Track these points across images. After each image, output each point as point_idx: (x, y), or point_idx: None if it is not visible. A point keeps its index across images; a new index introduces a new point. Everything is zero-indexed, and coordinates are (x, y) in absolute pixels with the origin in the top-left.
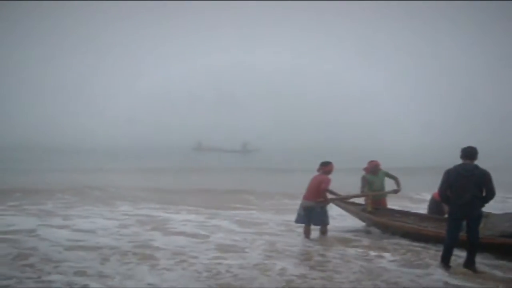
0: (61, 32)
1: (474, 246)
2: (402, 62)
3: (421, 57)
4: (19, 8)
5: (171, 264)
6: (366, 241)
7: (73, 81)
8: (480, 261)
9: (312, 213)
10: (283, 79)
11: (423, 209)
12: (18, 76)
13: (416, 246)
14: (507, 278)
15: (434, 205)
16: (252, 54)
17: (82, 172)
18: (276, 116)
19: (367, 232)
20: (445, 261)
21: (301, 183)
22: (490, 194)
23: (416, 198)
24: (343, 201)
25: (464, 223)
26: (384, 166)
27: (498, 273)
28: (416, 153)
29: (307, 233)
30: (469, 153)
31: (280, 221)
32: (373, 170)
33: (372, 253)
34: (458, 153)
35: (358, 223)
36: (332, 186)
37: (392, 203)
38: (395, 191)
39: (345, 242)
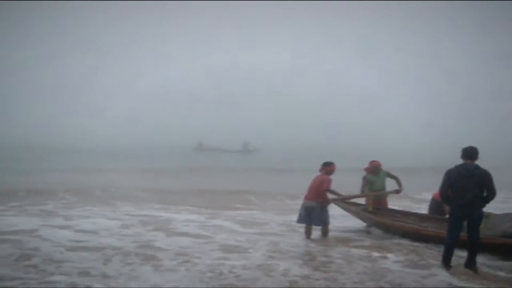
0: (61, 32)
1: (475, 246)
2: (402, 62)
3: (421, 57)
4: (19, 8)
5: (174, 264)
6: (368, 242)
7: (73, 81)
8: (485, 262)
9: (313, 213)
10: (283, 79)
11: (424, 209)
12: (18, 76)
13: (418, 246)
14: (511, 278)
15: (435, 205)
16: (252, 54)
17: (83, 172)
18: (276, 116)
19: (368, 233)
20: (446, 261)
21: (302, 183)
22: (491, 194)
23: (417, 198)
24: (344, 201)
25: (465, 223)
26: (384, 166)
27: (502, 274)
28: (416, 153)
29: (308, 233)
30: (470, 153)
31: (281, 221)
32: (374, 170)
33: (375, 253)
34: (458, 153)
35: (359, 223)
36: (333, 187)
37: (394, 203)
38: (397, 191)
39: (348, 242)
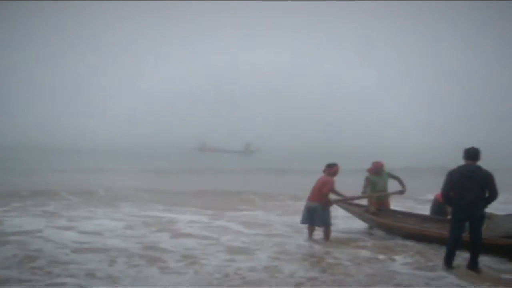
0: (61, 32)
1: (477, 247)
2: (402, 62)
3: (421, 57)
4: (19, 8)
5: (182, 266)
6: (372, 243)
7: (73, 81)
8: (490, 264)
9: (315, 214)
10: (283, 79)
11: (427, 210)
12: (18, 76)
13: (423, 247)
14: None
15: (437, 206)
16: (252, 54)
17: (84, 172)
18: (276, 116)
19: (370, 234)
20: (448, 262)
21: (304, 184)
22: (493, 195)
23: (420, 199)
24: (346, 202)
25: (467, 224)
26: (386, 166)
27: (508, 276)
28: (417, 153)
29: (310, 233)
30: (472, 154)
31: (285, 222)
32: (377, 171)
33: (381, 255)
34: (459, 153)
35: (361, 225)
36: (336, 188)
37: (397, 204)
38: (401, 192)
39: (352, 244)
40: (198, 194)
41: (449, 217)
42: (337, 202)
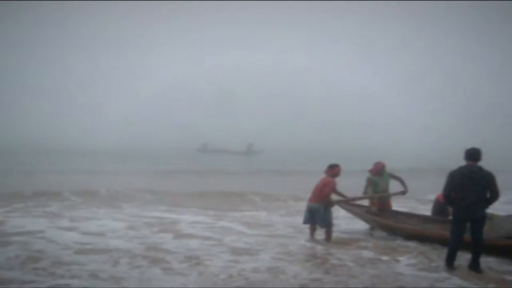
0: (61, 32)
1: (478, 248)
2: (403, 62)
3: (421, 57)
4: (19, 8)
5: (185, 267)
6: (375, 244)
7: (72, 82)
8: (493, 265)
9: (316, 215)
10: (284, 79)
11: (429, 210)
12: (18, 76)
13: (426, 248)
14: None
15: (438, 206)
16: (252, 54)
17: (85, 173)
18: (277, 116)
19: (371, 234)
20: (450, 263)
21: (306, 185)
22: (495, 196)
23: (422, 199)
24: (348, 203)
25: (468, 224)
26: (387, 167)
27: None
28: (418, 154)
29: (311, 233)
30: (473, 155)
31: (287, 222)
32: (378, 172)
33: (385, 256)
34: (460, 154)
35: (362, 225)
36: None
37: (399, 205)
38: (403, 193)
39: (355, 244)
40: (200, 195)
41: (450, 217)
42: (338, 202)
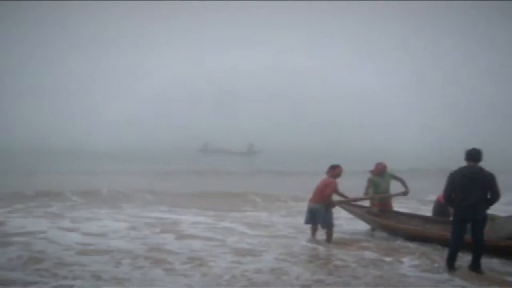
0: (61, 32)
1: (479, 249)
2: (403, 62)
3: (421, 57)
4: (19, 8)
5: (188, 268)
6: (377, 244)
7: (72, 82)
8: (495, 266)
9: (317, 215)
10: (284, 80)
11: (430, 211)
12: (18, 76)
13: (428, 249)
14: None
15: (439, 207)
16: (253, 54)
17: (85, 174)
18: (277, 116)
19: (372, 235)
20: (450, 263)
21: (307, 185)
22: (495, 196)
23: (424, 199)
24: (349, 204)
25: (469, 225)
26: (388, 168)
27: None
28: (418, 154)
29: (313, 233)
30: (474, 155)
31: (289, 223)
32: (379, 172)
33: (387, 257)
34: (461, 154)
35: (365, 226)
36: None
37: (401, 205)
38: (404, 193)
39: (357, 245)
40: (201, 195)
41: (451, 218)
42: (339, 203)
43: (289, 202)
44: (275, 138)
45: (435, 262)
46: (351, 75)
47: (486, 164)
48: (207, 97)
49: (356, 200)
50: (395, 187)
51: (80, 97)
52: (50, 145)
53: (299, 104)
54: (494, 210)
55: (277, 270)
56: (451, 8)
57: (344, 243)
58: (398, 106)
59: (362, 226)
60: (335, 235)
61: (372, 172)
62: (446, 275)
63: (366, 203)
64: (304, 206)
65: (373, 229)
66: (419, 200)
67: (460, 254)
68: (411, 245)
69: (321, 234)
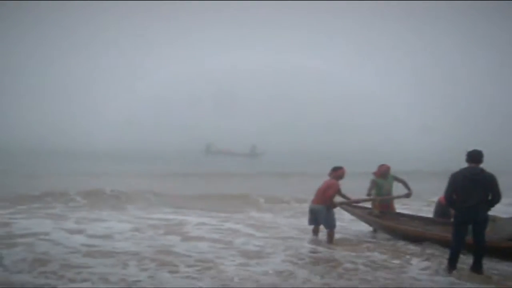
0: (60, 32)
1: (480, 250)
2: (403, 63)
3: (421, 57)
4: (19, 8)
5: (197, 271)
6: (384, 246)
7: (72, 82)
8: (496, 267)
9: (318, 216)
10: (284, 80)
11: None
12: (18, 76)
13: (435, 251)
14: None
15: (440, 208)
16: (253, 55)
17: (87, 175)
18: (277, 117)
19: (373, 237)
20: (452, 265)
21: (308, 187)
22: (497, 198)
23: (427, 201)
24: (350, 205)
25: (470, 227)
26: (391, 169)
27: None
28: (418, 155)
29: (315, 233)
30: (475, 157)
31: (293, 224)
32: (382, 174)
33: (395, 260)
34: (462, 155)
35: (367, 227)
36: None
37: (404, 206)
38: (407, 195)
39: (361, 246)
40: (204, 197)
41: (452, 219)
42: (341, 204)
43: (292, 203)
44: (275, 139)
45: (443, 264)
46: (351, 75)
47: (486, 165)
48: (207, 97)
49: (358, 201)
50: (398, 189)
51: (80, 97)
52: (50, 145)
53: (299, 104)
54: (496, 211)
55: (286, 273)
56: (451, 8)
57: (347, 244)
58: (398, 106)
59: (364, 227)
60: (338, 236)
61: (375, 173)
62: (458, 278)
63: (368, 205)
64: (307, 207)
65: (374, 230)
66: (422, 202)
67: (462, 256)
68: (416, 247)
69: (324, 234)
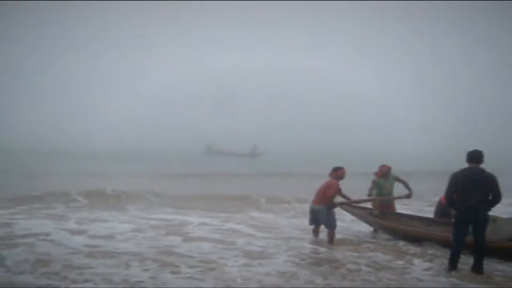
0: (60, 32)
1: (481, 250)
2: (403, 63)
3: (421, 58)
4: (19, 8)
5: (199, 271)
6: (386, 247)
7: (72, 82)
8: (497, 267)
9: (319, 217)
10: (284, 80)
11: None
12: (18, 76)
13: (437, 251)
14: None
15: (441, 209)
16: (253, 55)
17: (87, 175)
18: (276, 117)
19: (375, 237)
20: (453, 265)
21: (309, 187)
22: (497, 198)
23: (428, 201)
24: (351, 205)
25: (471, 227)
26: (392, 170)
27: None
28: (418, 156)
29: (315, 233)
30: (475, 157)
31: (294, 224)
32: (384, 174)
33: (399, 261)
34: (462, 156)
35: (367, 227)
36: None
37: (405, 207)
38: (408, 196)
39: (361, 247)
40: (205, 197)
41: (453, 220)
42: (341, 204)
43: (293, 203)
44: (276, 139)
45: (444, 265)
46: (351, 75)
47: (486, 165)
48: (207, 97)
49: (358, 202)
50: (399, 189)
51: (80, 97)
52: (50, 145)
53: (299, 104)
54: (496, 211)
55: (289, 273)
56: (451, 8)
57: (349, 245)
58: (398, 106)
59: (364, 227)
60: (339, 237)
61: (376, 174)
62: (461, 279)
63: (368, 205)
64: (308, 208)
65: (375, 230)
66: (423, 202)
67: (462, 256)
68: (417, 247)
69: (324, 235)
